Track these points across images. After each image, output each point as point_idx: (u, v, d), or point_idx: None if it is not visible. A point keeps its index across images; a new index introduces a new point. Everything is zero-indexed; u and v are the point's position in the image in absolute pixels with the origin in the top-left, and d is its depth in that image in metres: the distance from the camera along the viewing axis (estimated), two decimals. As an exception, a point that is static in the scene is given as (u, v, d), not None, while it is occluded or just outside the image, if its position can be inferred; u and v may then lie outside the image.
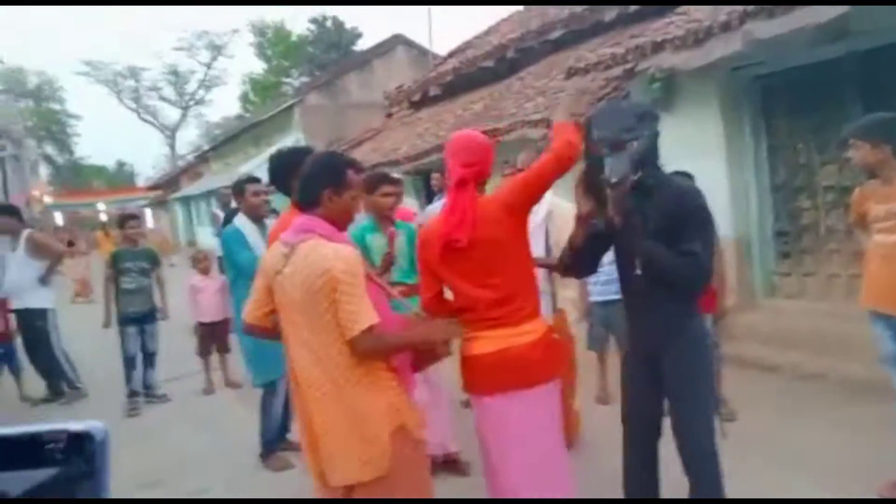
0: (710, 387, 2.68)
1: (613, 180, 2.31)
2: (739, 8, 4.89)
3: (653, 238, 2.40)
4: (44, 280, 6.38)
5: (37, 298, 6.34)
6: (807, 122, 5.58)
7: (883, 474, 3.19)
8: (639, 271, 2.47)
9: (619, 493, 2.78)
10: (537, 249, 3.94)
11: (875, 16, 4.35)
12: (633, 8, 8.06)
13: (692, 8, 5.96)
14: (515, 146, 7.58)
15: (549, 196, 4.03)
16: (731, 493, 2.56)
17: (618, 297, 2.90)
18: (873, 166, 3.01)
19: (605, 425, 4.26)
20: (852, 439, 3.73)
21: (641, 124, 2.38)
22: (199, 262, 6.51)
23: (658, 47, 5.62)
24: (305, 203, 2.34)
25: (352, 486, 2.26)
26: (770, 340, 5.30)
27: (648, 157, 2.40)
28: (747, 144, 5.90)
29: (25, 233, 6.47)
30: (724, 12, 5.07)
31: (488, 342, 2.42)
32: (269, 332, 2.45)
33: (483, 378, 2.46)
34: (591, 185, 2.46)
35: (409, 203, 7.26)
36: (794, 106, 5.60)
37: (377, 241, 3.88)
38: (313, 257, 2.20)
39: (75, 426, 0.94)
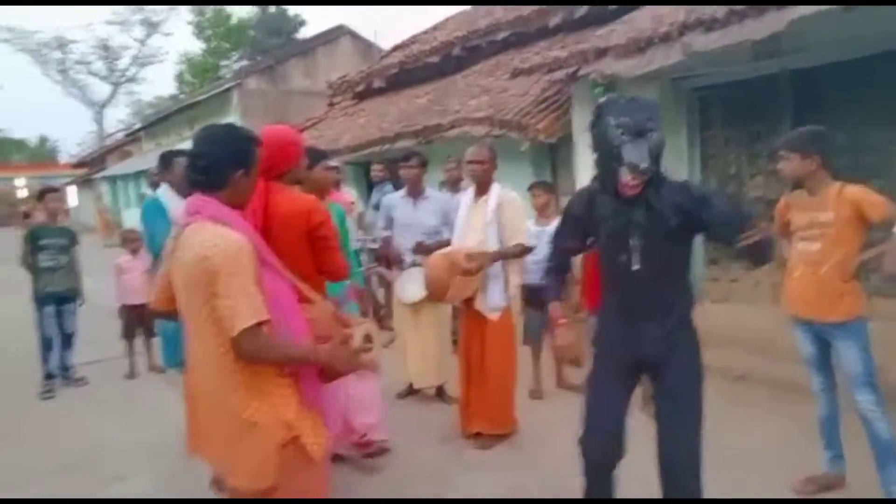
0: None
1: (644, 165, 2.21)
2: (680, 19, 5.05)
3: (670, 233, 2.34)
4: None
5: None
6: (740, 134, 5.82)
7: (799, 470, 3.35)
8: (637, 266, 2.39)
9: (559, 488, 2.82)
10: (491, 241, 3.97)
11: (807, 35, 4.56)
12: (577, 14, 8.22)
13: (635, 16, 6.12)
14: (458, 143, 7.61)
15: (497, 188, 4.09)
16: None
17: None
18: (801, 177, 3.13)
19: (540, 420, 4.35)
20: (774, 436, 3.91)
21: (658, 118, 2.33)
22: (129, 242, 6.25)
23: (601, 53, 5.74)
24: (210, 187, 2.06)
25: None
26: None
27: (662, 152, 2.34)
28: (682, 152, 6.10)
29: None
30: (665, 24, 5.22)
31: None
32: (174, 317, 2.23)
33: None
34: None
35: (350, 192, 7.19)
36: (729, 118, 5.83)
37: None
38: (193, 242, 1.96)
39: None
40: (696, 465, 2.40)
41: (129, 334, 6.19)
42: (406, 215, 4.86)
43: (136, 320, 6.15)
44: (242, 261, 1.92)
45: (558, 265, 2.81)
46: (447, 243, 4.45)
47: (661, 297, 2.44)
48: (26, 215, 11.58)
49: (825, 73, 5.03)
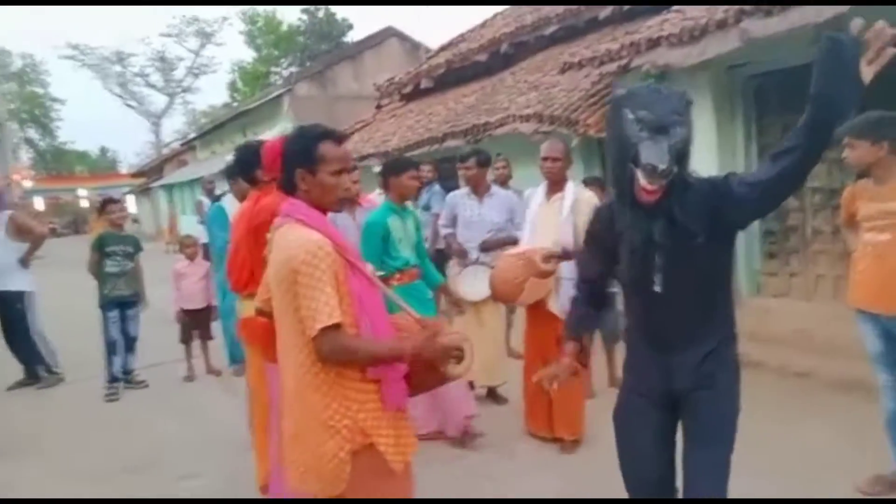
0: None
1: (662, 166, 1.85)
2: (736, 6, 4.89)
3: (699, 250, 1.99)
4: (23, 262, 6.27)
5: (16, 281, 6.23)
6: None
7: (865, 471, 3.22)
8: (660, 289, 2.08)
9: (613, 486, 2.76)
10: (566, 240, 3.88)
11: (873, 16, 4.34)
12: (628, 6, 8.06)
13: (688, 7, 5.96)
14: (506, 141, 7.57)
15: (571, 186, 4.02)
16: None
17: None
18: (869, 165, 3.00)
19: (595, 419, 4.27)
20: (836, 436, 3.75)
21: (687, 111, 2.00)
22: (186, 248, 6.41)
23: (653, 44, 5.62)
24: (285, 189, 2.15)
25: None
26: (754, 338, 5.31)
27: (688, 150, 1.99)
28: (738, 143, 5.91)
29: (6, 214, 6.36)
30: (720, 10, 5.07)
31: None
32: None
33: None
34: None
35: (378, 198, 7.21)
36: (787, 106, 5.61)
37: (396, 224, 3.98)
38: (281, 244, 2.03)
39: None
40: (721, 488, 2.11)
41: (186, 338, 6.34)
42: (471, 213, 4.83)
43: (193, 324, 6.31)
44: (321, 262, 1.94)
45: (586, 297, 2.43)
46: (514, 241, 4.43)
47: (692, 322, 2.11)
48: (53, 228, 11.92)
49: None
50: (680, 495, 2.20)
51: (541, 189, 4.15)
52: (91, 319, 6.16)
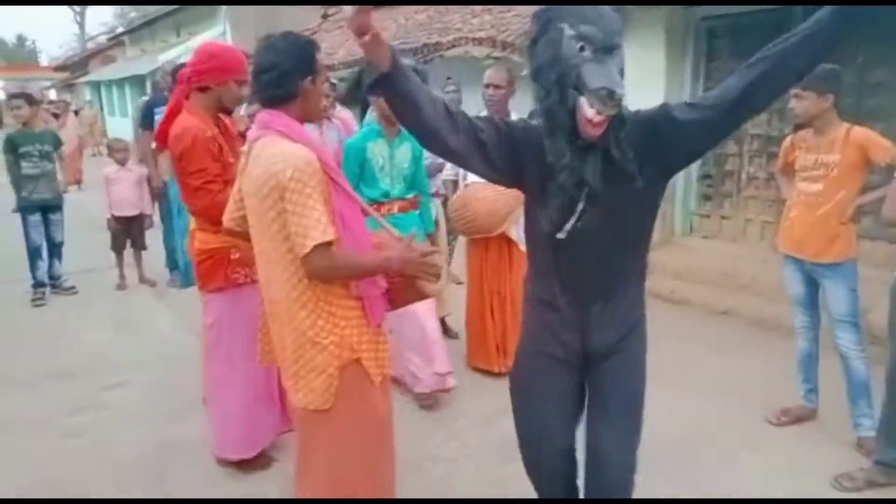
0: None
1: (619, 91, 1.56)
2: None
3: (629, 194, 1.71)
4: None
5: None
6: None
7: (775, 402, 3.47)
8: (578, 234, 1.77)
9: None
10: None
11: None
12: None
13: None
14: (457, 63, 7.42)
15: (514, 116, 3.96)
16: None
17: None
18: (814, 116, 3.07)
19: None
20: (752, 370, 4.02)
21: (622, 31, 1.72)
22: (116, 152, 6.10)
23: None
24: (280, 98, 2.01)
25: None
26: (682, 276, 5.57)
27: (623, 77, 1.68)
28: (686, 81, 5.98)
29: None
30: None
31: None
32: (244, 237, 2.20)
33: None
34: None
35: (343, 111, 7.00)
36: (736, 51, 5.68)
37: (379, 150, 3.54)
38: (262, 158, 1.94)
39: None
40: (625, 477, 1.97)
41: (118, 246, 6.14)
42: None
43: (125, 232, 6.10)
44: (311, 178, 1.88)
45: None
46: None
47: (611, 273, 1.88)
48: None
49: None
50: (580, 468, 2.04)
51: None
52: (11, 222, 5.86)
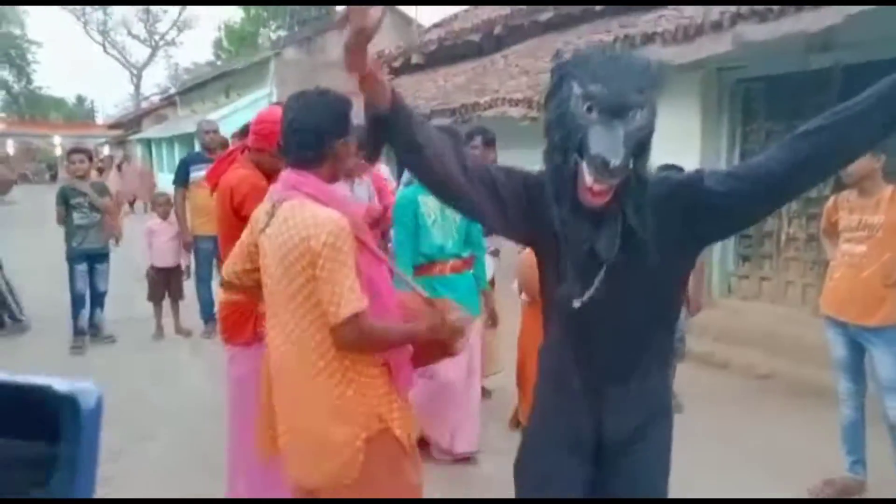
0: None
1: (614, 162, 1.37)
2: (732, 8, 4.91)
3: (652, 267, 1.53)
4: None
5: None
6: (783, 129, 5.66)
7: (819, 473, 3.31)
8: (595, 307, 1.57)
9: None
10: None
11: (862, 29, 4.41)
12: (624, -2, 8.05)
13: (684, 6, 5.97)
14: (494, 123, 7.54)
15: None
16: (676, 480, 2.59)
17: None
18: (864, 176, 3.02)
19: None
20: (795, 437, 3.85)
21: (653, 88, 1.49)
22: (159, 206, 6.31)
23: (648, 39, 5.62)
24: (307, 160, 1.90)
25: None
26: (722, 338, 5.42)
27: (649, 141, 1.51)
28: (722, 145, 5.97)
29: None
30: (716, 11, 5.09)
31: None
32: (244, 292, 2.19)
33: None
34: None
35: (383, 169, 7.12)
36: (773, 112, 5.68)
37: (432, 203, 3.41)
38: (292, 222, 1.84)
39: (60, 385, 0.55)
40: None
41: (157, 296, 6.27)
42: None
43: (164, 283, 6.23)
44: (344, 244, 1.80)
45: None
46: None
47: (632, 351, 1.68)
48: (53, 177, 11.51)
49: (877, 70, 4.84)
50: None
51: None
52: (60, 272, 6.04)
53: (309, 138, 1.89)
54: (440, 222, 3.46)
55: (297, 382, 1.92)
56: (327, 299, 1.79)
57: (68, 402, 0.56)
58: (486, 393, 4.48)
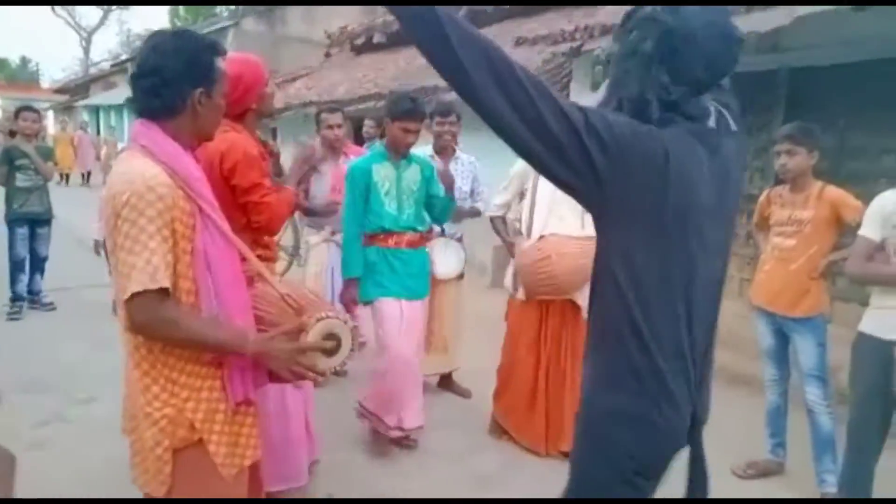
0: None
1: None
2: (688, 6, 5.03)
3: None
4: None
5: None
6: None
7: (743, 455, 3.48)
8: (711, 271, 1.47)
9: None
10: (589, 230, 3.06)
11: (812, 34, 4.57)
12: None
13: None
14: (455, 105, 7.55)
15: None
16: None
17: None
18: (802, 172, 3.14)
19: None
20: (723, 422, 4.00)
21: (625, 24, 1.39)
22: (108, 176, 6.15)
23: (607, 30, 5.72)
24: (153, 110, 1.62)
25: None
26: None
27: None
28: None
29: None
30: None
31: None
32: None
33: None
34: None
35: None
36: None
37: (385, 172, 3.34)
38: (112, 176, 1.58)
39: None
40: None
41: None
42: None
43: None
44: (149, 208, 1.49)
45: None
46: (478, 213, 4.23)
47: (711, 333, 1.49)
48: (12, 133, 11.27)
49: (822, 74, 5.06)
50: None
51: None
52: (-1, 234, 5.87)
53: (154, 84, 1.59)
54: (394, 193, 3.36)
55: (126, 362, 1.68)
56: (118, 269, 1.52)
57: None
58: (465, 392, 4.34)
